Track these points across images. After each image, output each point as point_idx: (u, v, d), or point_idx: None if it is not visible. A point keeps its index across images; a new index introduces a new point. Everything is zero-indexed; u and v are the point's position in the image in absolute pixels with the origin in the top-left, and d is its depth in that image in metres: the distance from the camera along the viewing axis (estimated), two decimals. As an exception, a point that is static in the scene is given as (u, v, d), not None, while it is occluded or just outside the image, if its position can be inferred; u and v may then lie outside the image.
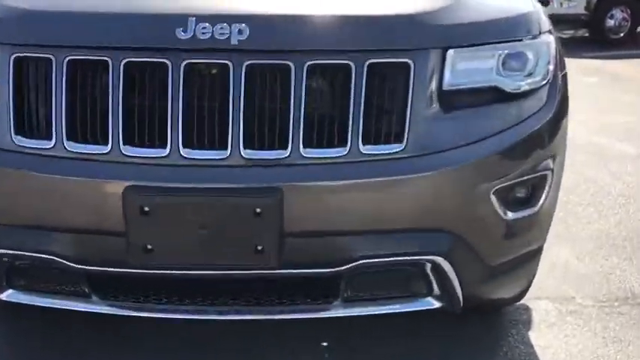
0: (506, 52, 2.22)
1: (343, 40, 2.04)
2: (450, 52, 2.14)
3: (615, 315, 3.13)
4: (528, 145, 2.27)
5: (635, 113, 6.89)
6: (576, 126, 6.15)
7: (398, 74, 2.07)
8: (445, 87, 2.14)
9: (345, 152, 2.04)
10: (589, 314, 3.13)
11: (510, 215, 2.28)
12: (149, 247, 1.99)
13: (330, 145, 2.03)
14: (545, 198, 2.36)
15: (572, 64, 8.94)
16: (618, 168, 5.19)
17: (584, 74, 8.70)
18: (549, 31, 2.40)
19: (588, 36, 11.94)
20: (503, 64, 2.23)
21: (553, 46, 2.36)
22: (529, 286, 2.71)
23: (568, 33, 12.53)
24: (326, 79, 2.03)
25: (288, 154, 2.01)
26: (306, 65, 2.00)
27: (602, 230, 4.08)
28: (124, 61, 1.98)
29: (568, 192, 4.48)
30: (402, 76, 2.07)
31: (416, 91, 2.08)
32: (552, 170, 2.35)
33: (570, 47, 10.98)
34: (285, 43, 2.01)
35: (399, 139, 2.08)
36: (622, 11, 11.68)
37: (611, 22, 11.59)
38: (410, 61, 2.07)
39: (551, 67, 2.34)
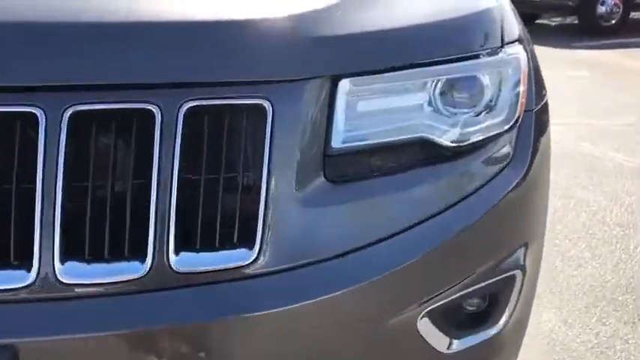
0: (444, 78, 1.29)
1: (136, 67, 1.08)
2: (344, 83, 1.20)
3: (617, 421, 2.23)
4: (482, 234, 1.32)
5: (633, 114, 5.91)
6: (563, 131, 5.32)
7: (243, 126, 1.13)
8: (335, 145, 1.21)
9: (144, 270, 1.09)
10: (581, 419, 2.22)
11: (455, 346, 1.35)
12: None
13: (116, 258, 1.09)
14: (512, 311, 1.42)
15: (560, 56, 8.04)
16: (614, 185, 4.28)
17: (572, 67, 7.76)
18: (519, 40, 1.45)
19: (578, 24, 10.95)
20: (441, 98, 1.29)
21: (524, 63, 1.41)
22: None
23: (556, 20, 11.62)
24: (105, 136, 1.08)
25: (32, 279, 1.06)
26: (67, 113, 1.05)
27: (597, 277, 3.17)
28: None
29: (554, 220, 3.60)
30: (251, 130, 1.13)
31: (278, 156, 1.13)
32: (523, 267, 1.41)
33: (558, 36, 10.12)
34: (25, 73, 1.06)
35: (246, 241, 1.13)
36: (613, -4, 10.72)
37: (602, 9, 10.60)
38: (265, 103, 1.13)
39: (521, 98, 1.39)
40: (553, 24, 11.49)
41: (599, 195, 4.13)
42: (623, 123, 5.59)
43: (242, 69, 1.11)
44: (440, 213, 1.26)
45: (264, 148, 1.12)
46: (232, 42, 1.11)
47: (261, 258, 1.12)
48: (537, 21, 11.33)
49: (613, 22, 10.54)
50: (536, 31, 10.68)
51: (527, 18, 11.08)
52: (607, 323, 2.79)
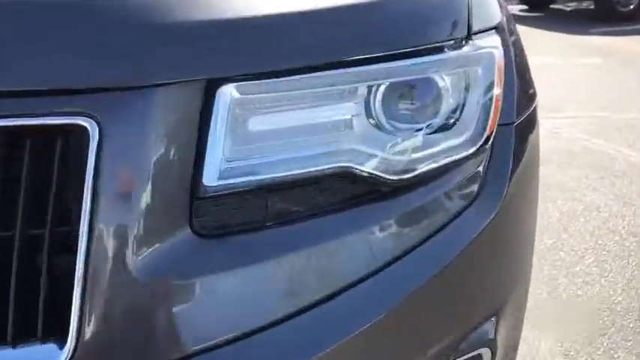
0: (387, 83, 0.88)
1: None
2: (226, 90, 0.80)
3: None
4: (434, 303, 0.92)
5: (649, 106, 5.49)
6: (571, 125, 4.88)
7: (54, 158, 0.73)
8: (209, 182, 0.81)
9: None
10: None
11: None
12: None
13: None
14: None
15: (574, 42, 7.58)
16: (628, 188, 3.87)
17: (585, 54, 7.31)
18: (496, 29, 1.04)
19: (593, 9, 10.46)
20: (381, 111, 0.89)
21: (500, 59, 1.00)
22: None
23: (571, 5, 11.17)
24: None
25: None
26: None
27: (605, 298, 2.77)
28: None
29: (559, 228, 3.21)
30: (65, 164, 0.73)
31: (107, 201, 0.74)
32: (493, 343, 1.01)
33: (573, 22, 9.68)
34: None
35: (55, 332, 0.74)
36: (631, -19, 10.21)
37: (619, -6, 10.12)
38: (87, 123, 0.73)
39: (494, 106, 0.99)
40: (568, 9, 11.04)
41: (611, 199, 3.72)
42: (638, 116, 5.16)
43: (49, 71, 0.71)
44: (369, 277, 0.87)
45: (82, 191, 0.72)
46: (31, 29, 0.71)
47: (79, 356, 0.73)
48: (552, 6, 10.89)
49: (631, 7, 10.08)
50: (550, 17, 10.22)
51: (542, 2, 10.64)
52: (616, 356, 2.42)
